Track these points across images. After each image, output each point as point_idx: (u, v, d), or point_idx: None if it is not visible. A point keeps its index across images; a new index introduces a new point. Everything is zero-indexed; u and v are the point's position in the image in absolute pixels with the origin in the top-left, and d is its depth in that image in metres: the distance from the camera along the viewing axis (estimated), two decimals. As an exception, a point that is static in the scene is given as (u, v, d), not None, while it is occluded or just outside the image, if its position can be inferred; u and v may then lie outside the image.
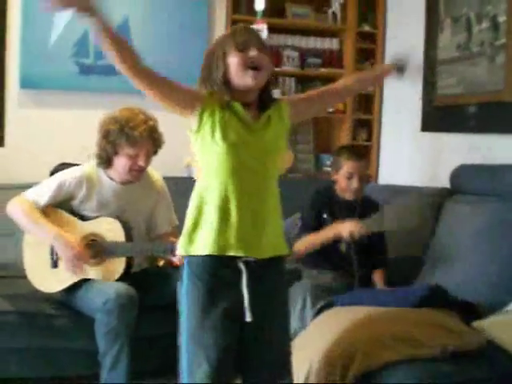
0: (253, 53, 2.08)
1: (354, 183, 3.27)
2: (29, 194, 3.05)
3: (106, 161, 3.04)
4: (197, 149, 2.18)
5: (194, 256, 2.09)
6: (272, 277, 2.15)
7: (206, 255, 2.06)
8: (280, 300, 2.20)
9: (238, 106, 2.10)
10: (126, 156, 3.00)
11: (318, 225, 3.27)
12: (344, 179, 3.29)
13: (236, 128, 2.08)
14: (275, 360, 2.15)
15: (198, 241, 2.08)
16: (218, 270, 2.07)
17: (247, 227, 2.08)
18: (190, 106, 2.12)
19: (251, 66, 2.07)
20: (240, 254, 2.06)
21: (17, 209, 3.02)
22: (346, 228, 3.07)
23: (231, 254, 2.06)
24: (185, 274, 2.12)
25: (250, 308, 2.06)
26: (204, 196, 2.12)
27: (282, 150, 2.23)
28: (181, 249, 2.13)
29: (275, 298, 2.17)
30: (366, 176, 3.41)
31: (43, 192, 3.04)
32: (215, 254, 2.05)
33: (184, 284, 2.12)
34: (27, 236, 3.11)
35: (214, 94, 2.11)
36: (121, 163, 3.02)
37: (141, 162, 3.02)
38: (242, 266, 2.07)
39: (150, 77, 2.06)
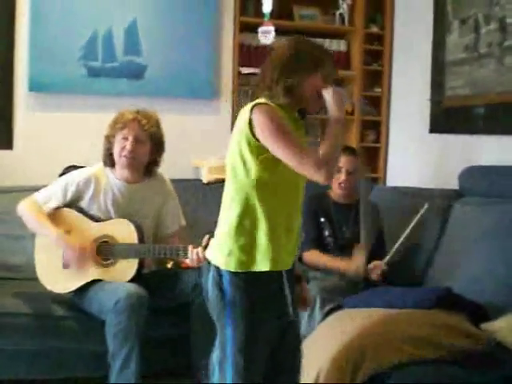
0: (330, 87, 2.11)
1: (342, 176, 3.39)
2: (38, 196, 3.13)
3: (108, 158, 3.16)
4: (255, 165, 2.03)
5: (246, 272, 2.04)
6: (293, 281, 2.19)
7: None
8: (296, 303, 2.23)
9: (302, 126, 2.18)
10: (119, 141, 3.12)
11: (319, 230, 3.40)
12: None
13: None
14: (298, 362, 2.21)
15: (256, 257, 2.03)
16: (269, 283, 2.07)
17: (287, 241, 2.09)
18: None
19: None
20: (285, 267, 2.10)
21: (25, 209, 3.11)
22: (352, 268, 3.17)
23: (280, 268, 2.08)
24: (230, 286, 2.03)
25: (292, 307, 2.11)
26: (256, 214, 2.03)
27: None
28: (232, 264, 2.03)
29: (296, 302, 2.20)
30: (356, 173, 3.47)
31: (52, 193, 3.12)
32: (271, 269, 2.04)
33: (229, 296, 2.03)
34: (39, 237, 3.15)
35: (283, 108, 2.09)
36: (115, 150, 3.14)
37: (128, 145, 3.10)
38: (284, 273, 2.09)
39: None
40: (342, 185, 3.41)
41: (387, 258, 3.23)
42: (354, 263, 3.18)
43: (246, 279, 2.03)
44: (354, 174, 3.44)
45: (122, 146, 3.10)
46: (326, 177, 1.96)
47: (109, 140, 3.15)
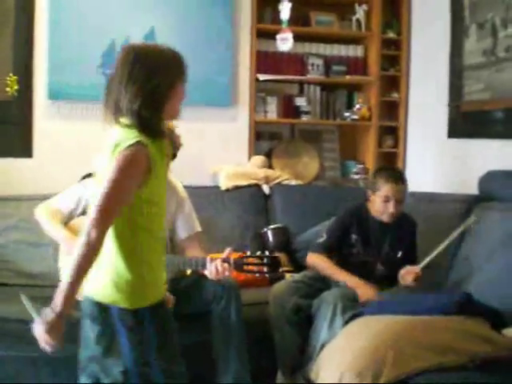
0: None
1: (391, 207, 3.18)
2: (53, 203, 3.18)
3: None
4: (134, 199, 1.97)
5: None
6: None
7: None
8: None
9: (168, 147, 2.11)
10: None
11: (343, 245, 3.30)
12: (380, 202, 3.20)
13: (163, 171, 2.07)
14: None
15: (144, 291, 2.03)
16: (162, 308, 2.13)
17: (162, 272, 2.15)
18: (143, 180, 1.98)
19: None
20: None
21: (41, 214, 3.13)
22: (363, 295, 3.07)
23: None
24: (127, 325, 2.02)
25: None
26: (142, 243, 2.01)
27: None
28: (122, 301, 2.01)
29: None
30: (403, 200, 3.24)
31: (66, 202, 3.17)
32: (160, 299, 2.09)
33: (127, 335, 2.03)
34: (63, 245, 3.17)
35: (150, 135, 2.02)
36: None
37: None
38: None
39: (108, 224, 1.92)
40: (391, 215, 3.19)
41: (423, 263, 3.09)
42: (369, 291, 3.08)
43: (145, 313, 2.03)
44: (402, 202, 3.22)
45: None
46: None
47: None
